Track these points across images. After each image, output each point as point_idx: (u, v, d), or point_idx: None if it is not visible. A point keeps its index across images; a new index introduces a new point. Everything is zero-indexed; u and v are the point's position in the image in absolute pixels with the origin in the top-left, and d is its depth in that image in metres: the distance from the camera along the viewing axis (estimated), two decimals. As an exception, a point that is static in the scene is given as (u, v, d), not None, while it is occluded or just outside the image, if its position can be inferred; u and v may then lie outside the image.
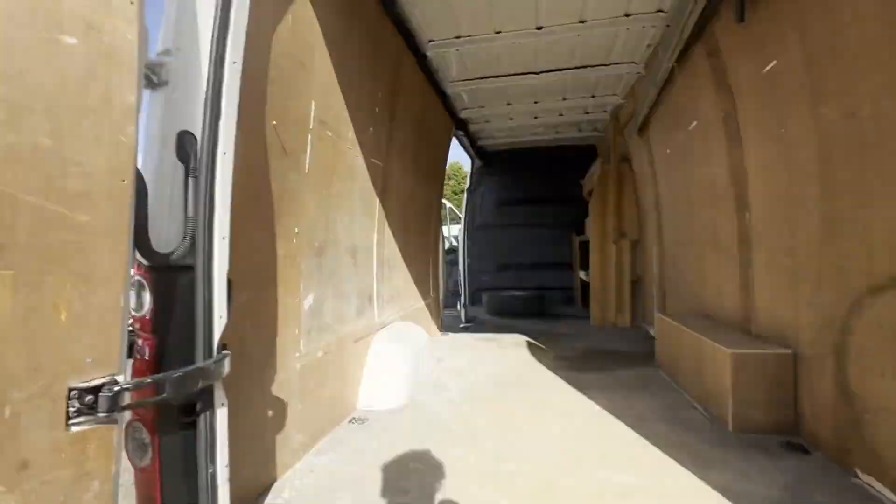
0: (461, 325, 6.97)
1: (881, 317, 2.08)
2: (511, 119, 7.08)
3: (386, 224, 4.14)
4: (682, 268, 4.87)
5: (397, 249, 4.54)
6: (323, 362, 2.89)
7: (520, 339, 5.80)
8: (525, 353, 5.06)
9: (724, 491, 2.16)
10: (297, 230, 2.57)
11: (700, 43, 3.60)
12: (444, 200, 9.69)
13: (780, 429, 2.77)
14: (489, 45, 4.47)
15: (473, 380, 4.09)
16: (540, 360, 4.72)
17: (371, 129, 3.64)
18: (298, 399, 2.58)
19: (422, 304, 5.41)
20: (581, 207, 7.96)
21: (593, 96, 6.16)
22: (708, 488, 2.19)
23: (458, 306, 7.42)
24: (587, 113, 6.86)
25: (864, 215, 2.18)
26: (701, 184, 4.15)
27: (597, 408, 3.30)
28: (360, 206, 3.54)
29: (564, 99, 6.23)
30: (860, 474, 2.22)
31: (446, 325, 6.76)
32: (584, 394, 3.61)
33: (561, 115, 6.91)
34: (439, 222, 6.37)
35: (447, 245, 10.53)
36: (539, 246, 9.05)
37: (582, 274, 7.90)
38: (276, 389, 2.37)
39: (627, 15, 3.99)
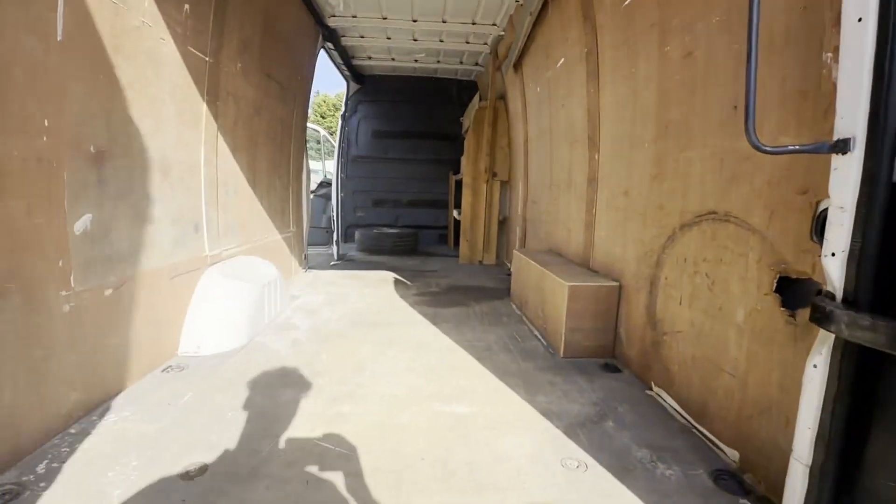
0: (331, 263, 6.54)
1: (684, 251, 2.29)
2: (389, 38, 6.42)
3: (220, 138, 3.41)
4: (541, 207, 5.07)
5: (240, 172, 3.84)
6: (114, 302, 2.30)
7: (386, 276, 5.64)
8: (388, 290, 4.91)
9: (546, 412, 2.29)
10: (47, 123, 1.85)
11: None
12: (318, 128, 8.76)
13: (602, 353, 3.07)
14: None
15: (327, 318, 3.81)
16: (402, 297, 4.61)
17: (187, 5, 2.80)
18: (69, 348, 2.00)
19: (277, 237, 4.83)
20: (461, 145, 7.82)
21: (474, 23, 5.81)
22: (533, 410, 2.30)
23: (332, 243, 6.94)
24: (468, 42, 6.52)
25: (685, 156, 2.31)
26: (561, 123, 4.21)
27: (447, 341, 3.31)
28: (172, 110, 2.78)
29: (444, 21, 5.77)
30: (654, 386, 2.54)
31: (316, 264, 6.27)
32: (438, 328, 3.60)
33: (441, 40, 6.46)
34: (302, 146, 5.61)
35: (323, 177, 9.68)
36: (417, 183, 8.81)
37: (455, 213, 7.95)
38: (24, 338, 1.78)
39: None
